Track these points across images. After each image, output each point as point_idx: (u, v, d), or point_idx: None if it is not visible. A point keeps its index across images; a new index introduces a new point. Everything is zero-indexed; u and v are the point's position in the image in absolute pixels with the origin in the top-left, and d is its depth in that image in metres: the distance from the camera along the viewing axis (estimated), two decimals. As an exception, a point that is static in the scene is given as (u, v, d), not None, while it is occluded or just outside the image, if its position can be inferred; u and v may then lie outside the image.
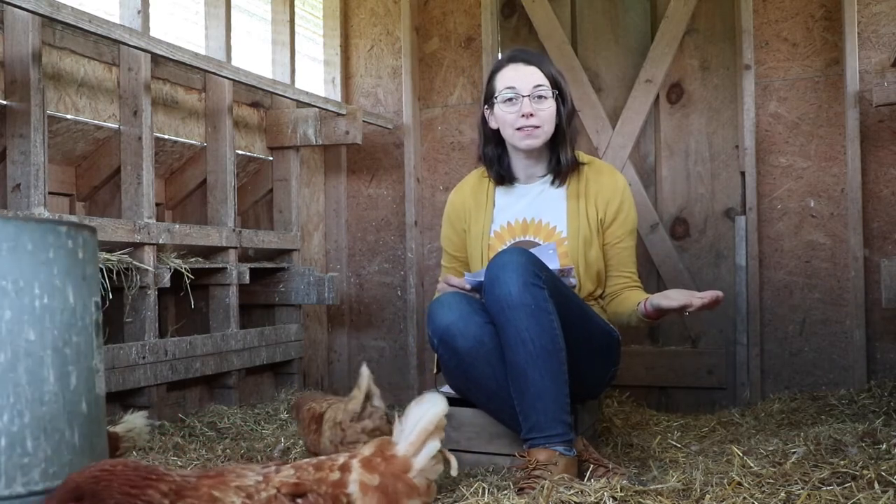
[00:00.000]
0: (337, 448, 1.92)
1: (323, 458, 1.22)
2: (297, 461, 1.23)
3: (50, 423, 1.22)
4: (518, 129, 2.40)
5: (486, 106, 2.51)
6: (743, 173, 3.43)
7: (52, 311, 1.24)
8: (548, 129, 2.43)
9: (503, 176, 2.54)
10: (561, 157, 2.46)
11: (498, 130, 2.49)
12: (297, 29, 3.72)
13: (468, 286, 2.32)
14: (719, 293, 2.19)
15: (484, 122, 2.53)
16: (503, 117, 2.43)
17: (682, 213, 3.59)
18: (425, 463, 1.17)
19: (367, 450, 1.18)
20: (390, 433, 1.94)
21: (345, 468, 1.17)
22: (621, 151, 3.59)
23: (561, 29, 3.70)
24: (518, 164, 2.53)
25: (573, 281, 2.41)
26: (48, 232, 1.25)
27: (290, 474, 1.18)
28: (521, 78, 2.41)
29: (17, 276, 1.20)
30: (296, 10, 3.71)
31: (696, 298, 2.20)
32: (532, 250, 2.23)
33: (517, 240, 2.49)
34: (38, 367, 1.21)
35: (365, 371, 1.95)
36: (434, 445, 1.17)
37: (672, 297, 2.26)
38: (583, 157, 2.55)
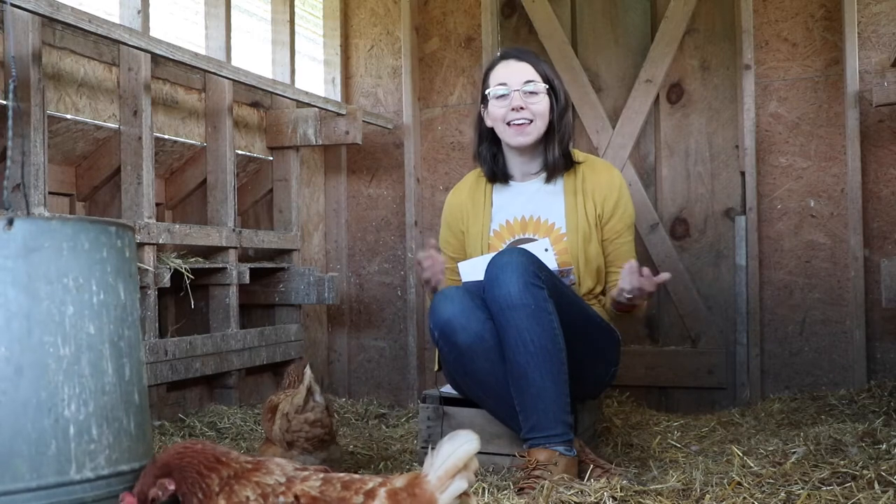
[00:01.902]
0: (284, 436, 2.00)
1: (356, 477, 1.21)
2: (330, 473, 1.22)
3: (111, 412, 1.30)
4: (508, 124, 2.43)
5: (482, 105, 2.54)
6: (743, 173, 3.43)
7: (107, 306, 1.32)
8: (540, 124, 2.44)
9: (496, 174, 2.56)
10: (548, 154, 2.48)
11: (493, 129, 2.51)
12: (297, 29, 3.72)
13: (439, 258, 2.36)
14: (664, 276, 2.22)
15: (480, 120, 2.56)
16: (495, 113, 2.46)
17: (682, 213, 3.59)
18: (450, 501, 1.16)
19: (399, 481, 1.17)
20: (331, 425, 2.02)
21: (370, 495, 1.16)
22: (621, 151, 3.59)
23: (561, 29, 3.70)
24: (513, 162, 2.55)
25: (572, 278, 2.42)
26: (101, 232, 1.34)
27: (315, 486, 1.18)
28: (511, 74, 2.45)
29: (76, 273, 1.28)
30: (296, 10, 3.71)
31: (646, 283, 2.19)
32: (524, 247, 2.24)
33: (517, 238, 2.50)
34: (99, 360, 1.29)
35: (307, 371, 2.01)
36: (461, 484, 1.16)
37: (625, 289, 2.24)
38: (578, 155, 2.56)
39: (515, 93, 2.42)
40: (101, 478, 1.27)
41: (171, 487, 1.18)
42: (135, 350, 1.36)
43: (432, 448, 1.18)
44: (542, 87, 2.44)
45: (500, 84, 2.44)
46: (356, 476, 1.21)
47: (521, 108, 2.41)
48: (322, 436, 2.01)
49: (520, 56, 2.48)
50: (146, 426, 1.39)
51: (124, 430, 1.31)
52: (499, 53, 2.57)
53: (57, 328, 1.24)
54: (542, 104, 2.43)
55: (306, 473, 1.20)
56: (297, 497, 1.16)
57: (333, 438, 2.08)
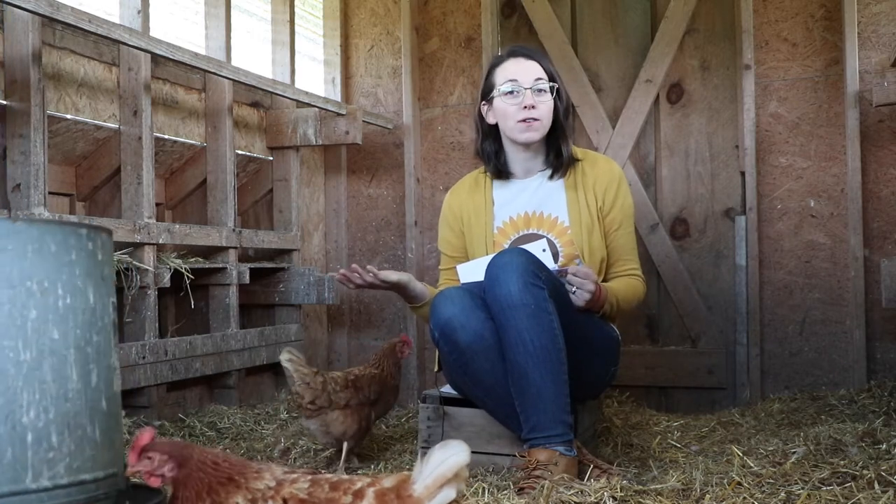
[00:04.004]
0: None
1: (344, 478, 1.22)
2: (318, 475, 1.23)
3: (73, 419, 1.25)
4: (519, 121, 2.42)
5: (483, 101, 2.53)
6: (743, 173, 3.43)
7: (74, 310, 1.28)
8: (546, 122, 2.45)
9: (500, 170, 2.56)
10: (563, 150, 2.49)
11: (495, 126, 2.51)
12: (297, 29, 3.72)
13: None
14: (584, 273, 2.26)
15: (481, 117, 2.55)
16: (504, 109, 2.45)
17: (682, 213, 3.59)
18: None
19: (388, 482, 1.18)
20: (310, 396, 2.27)
21: (358, 495, 1.17)
22: (621, 151, 3.59)
23: (561, 29, 3.70)
24: (515, 159, 2.55)
25: (579, 262, 2.42)
26: (70, 234, 1.29)
27: (304, 488, 1.18)
28: (522, 71, 2.44)
29: (41, 276, 1.24)
30: (296, 10, 3.71)
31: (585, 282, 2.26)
32: (523, 247, 2.25)
33: (521, 233, 2.51)
34: (62, 365, 1.25)
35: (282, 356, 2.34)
36: (449, 494, 1.16)
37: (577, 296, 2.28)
38: (577, 152, 2.56)
39: (527, 91, 2.41)
40: (60, 487, 1.23)
41: (169, 473, 1.19)
42: (104, 355, 1.32)
43: (423, 453, 1.18)
44: (549, 86, 2.45)
45: (511, 80, 2.43)
46: (344, 476, 1.22)
47: (533, 106, 2.41)
48: (306, 404, 2.29)
49: (528, 54, 2.48)
50: (114, 434, 1.35)
51: (88, 438, 1.27)
52: (506, 50, 2.56)
53: (18, 332, 1.20)
54: (549, 103, 2.45)
55: (295, 476, 1.21)
56: (285, 500, 1.17)
57: (320, 409, 2.31)
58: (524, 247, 2.28)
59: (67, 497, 1.24)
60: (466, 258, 2.57)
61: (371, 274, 2.36)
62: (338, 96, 3.94)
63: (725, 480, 1.93)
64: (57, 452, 1.23)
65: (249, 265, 3.34)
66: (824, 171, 3.35)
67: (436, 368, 2.51)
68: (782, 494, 1.79)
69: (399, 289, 2.46)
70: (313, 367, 2.38)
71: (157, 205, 3.05)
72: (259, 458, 2.47)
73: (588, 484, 1.88)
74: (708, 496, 1.81)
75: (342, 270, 2.41)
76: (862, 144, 3.22)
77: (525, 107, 2.41)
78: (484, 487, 1.95)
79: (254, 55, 3.58)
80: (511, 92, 2.43)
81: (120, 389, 1.39)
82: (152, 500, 1.35)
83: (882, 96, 3.00)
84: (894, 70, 2.98)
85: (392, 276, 2.42)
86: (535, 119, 2.42)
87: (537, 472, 1.96)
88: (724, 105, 3.54)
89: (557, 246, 2.45)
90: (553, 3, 3.71)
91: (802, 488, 1.82)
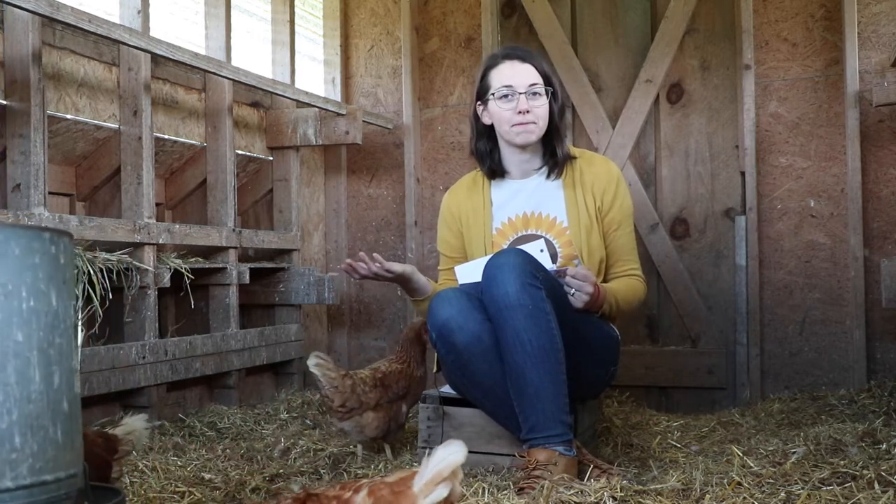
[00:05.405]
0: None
1: (356, 479, 1.29)
2: (343, 480, 1.31)
3: (36, 420, 1.26)
4: (514, 125, 2.43)
5: (478, 102, 2.53)
6: (743, 173, 3.43)
7: (37, 313, 1.29)
8: (542, 125, 2.45)
9: (494, 170, 2.56)
10: (557, 150, 2.49)
11: (491, 126, 2.52)
12: (297, 29, 3.72)
13: None
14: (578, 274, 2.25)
15: (476, 117, 2.55)
16: (499, 114, 2.45)
17: (682, 213, 3.59)
18: None
19: (390, 478, 1.22)
20: (340, 399, 2.33)
21: (357, 490, 1.22)
22: (621, 151, 3.59)
23: (561, 29, 3.70)
24: (511, 160, 2.55)
25: (578, 263, 2.42)
26: (33, 238, 1.30)
27: (320, 490, 1.25)
28: (517, 75, 2.44)
29: (5, 280, 1.25)
30: (296, 10, 3.71)
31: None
32: (520, 247, 2.24)
33: (519, 234, 2.51)
34: (26, 367, 1.26)
35: (309, 360, 2.38)
36: (441, 492, 1.18)
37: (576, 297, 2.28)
38: (574, 150, 2.56)
39: (521, 95, 2.41)
40: (22, 487, 1.24)
41: None
42: (66, 358, 1.34)
43: (424, 453, 1.21)
44: (545, 89, 2.44)
45: (506, 85, 2.43)
46: (362, 480, 1.26)
47: (527, 111, 2.41)
48: (336, 408, 2.35)
49: (523, 57, 2.48)
50: (75, 435, 1.36)
51: (50, 439, 1.28)
52: (501, 52, 2.55)
53: None
54: (545, 106, 2.44)
55: (320, 485, 1.28)
56: (292, 499, 1.23)
57: (351, 410, 2.36)
58: (521, 247, 2.28)
59: (30, 497, 1.24)
60: (465, 259, 2.57)
61: (377, 263, 2.37)
62: (338, 96, 3.94)
63: (725, 480, 1.93)
64: (20, 453, 1.23)
65: (249, 265, 3.34)
66: (824, 171, 3.35)
67: (435, 369, 2.51)
68: (782, 494, 1.79)
69: (403, 280, 2.47)
70: (341, 370, 2.40)
71: (157, 205, 3.05)
72: (259, 458, 2.47)
73: (588, 484, 1.88)
74: (708, 496, 1.81)
75: (347, 260, 2.41)
76: (862, 144, 3.22)
77: (520, 112, 2.41)
78: (484, 487, 1.95)
79: (254, 55, 3.58)
80: (506, 96, 2.43)
81: (79, 391, 1.40)
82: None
83: (882, 96, 3.00)
84: (894, 70, 2.98)
85: (396, 266, 2.42)
86: (531, 123, 2.42)
87: (537, 472, 1.96)
88: (724, 105, 3.54)
89: (556, 246, 2.45)
90: (553, 3, 3.71)
91: (802, 488, 1.82)
